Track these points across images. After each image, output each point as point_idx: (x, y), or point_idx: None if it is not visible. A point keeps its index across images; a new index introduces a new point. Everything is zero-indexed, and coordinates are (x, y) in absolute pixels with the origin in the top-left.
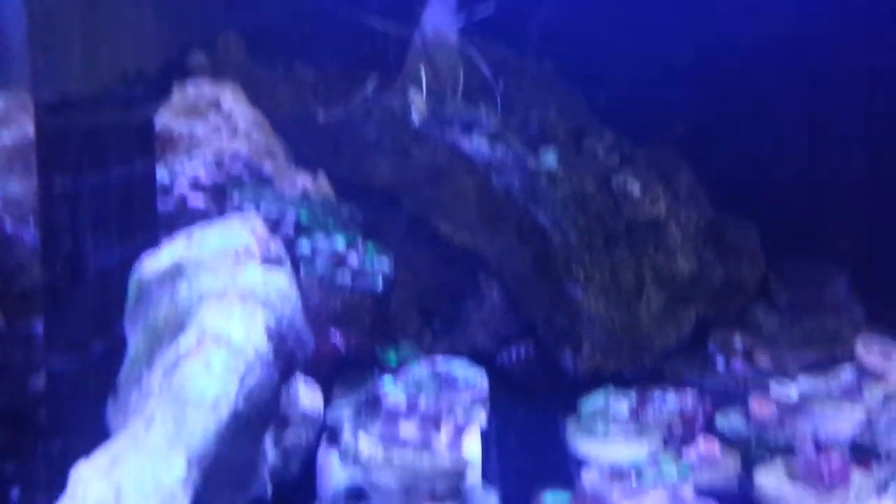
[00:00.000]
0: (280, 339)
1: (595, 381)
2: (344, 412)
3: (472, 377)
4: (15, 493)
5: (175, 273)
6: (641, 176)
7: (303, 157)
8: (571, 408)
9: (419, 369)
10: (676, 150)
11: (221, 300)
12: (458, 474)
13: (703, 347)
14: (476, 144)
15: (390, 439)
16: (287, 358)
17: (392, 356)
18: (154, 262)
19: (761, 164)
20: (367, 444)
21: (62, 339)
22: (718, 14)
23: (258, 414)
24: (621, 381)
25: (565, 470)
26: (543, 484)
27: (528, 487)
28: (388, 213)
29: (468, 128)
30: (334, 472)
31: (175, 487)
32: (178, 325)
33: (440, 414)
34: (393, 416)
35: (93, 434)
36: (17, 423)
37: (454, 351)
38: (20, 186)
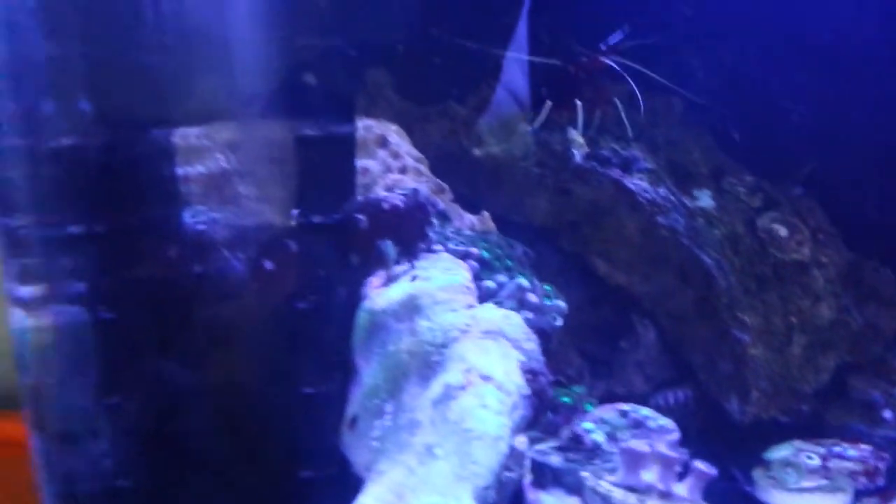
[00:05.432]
0: (532, 375)
1: (756, 428)
2: (548, 452)
3: (662, 421)
4: None
5: (411, 307)
6: (785, 218)
7: (460, 195)
8: (742, 455)
9: (606, 411)
10: (806, 190)
11: (468, 336)
12: None
13: (851, 394)
14: (638, 183)
15: (634, 485)
16: (539, 395)
17: (567, 398)
18: (386, 296)
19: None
20: (616, 490)
21: (302, 368)
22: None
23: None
24: (780, 429)
25: None
26: None
27: None
28: (544, 250)
29: (627, 166)
30: None
31: None
32: (423, 359)
33: (675, 460)
34: (633, 462)
35: (328, 461)
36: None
37: (611, 393)
38: (221, 214)
